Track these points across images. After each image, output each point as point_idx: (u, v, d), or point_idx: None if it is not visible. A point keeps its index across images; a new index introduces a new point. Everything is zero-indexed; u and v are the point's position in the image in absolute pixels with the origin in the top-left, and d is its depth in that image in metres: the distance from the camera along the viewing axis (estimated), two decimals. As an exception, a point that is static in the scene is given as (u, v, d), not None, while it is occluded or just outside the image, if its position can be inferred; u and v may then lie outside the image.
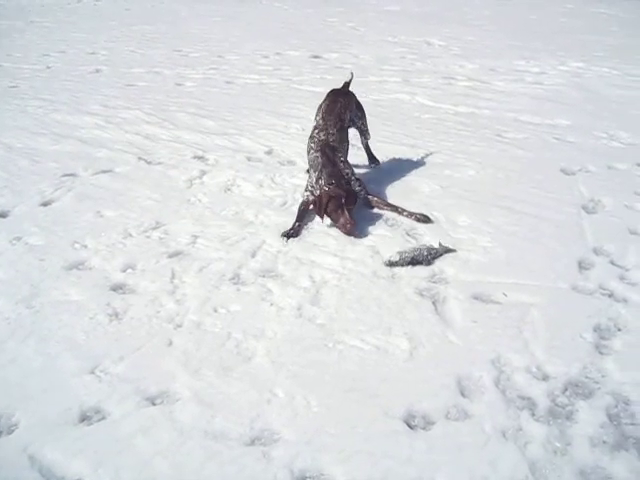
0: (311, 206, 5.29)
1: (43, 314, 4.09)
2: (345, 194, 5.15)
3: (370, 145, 6.41)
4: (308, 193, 5.42)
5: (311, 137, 5.76)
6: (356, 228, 5.04)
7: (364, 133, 6.29)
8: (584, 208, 5.50)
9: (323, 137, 5.61)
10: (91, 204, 5.58)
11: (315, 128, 5.79)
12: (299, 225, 5.15)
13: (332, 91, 6.13)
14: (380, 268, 4.58)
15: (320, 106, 5.97)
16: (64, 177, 6.18)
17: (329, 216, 5.14)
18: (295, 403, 3.35)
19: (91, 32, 14.56)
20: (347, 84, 6.18)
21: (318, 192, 5.28)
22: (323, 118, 5.77)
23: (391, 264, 4.61)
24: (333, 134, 5.63)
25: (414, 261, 4.60)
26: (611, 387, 3.45)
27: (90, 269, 4.63)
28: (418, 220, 5.26)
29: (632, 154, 6.78)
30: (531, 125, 7.87)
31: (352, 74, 6.24)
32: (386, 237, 4.99)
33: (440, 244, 4.77)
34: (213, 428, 3.20)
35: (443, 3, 19.45)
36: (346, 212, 5.02)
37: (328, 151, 5.50)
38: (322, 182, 5.29)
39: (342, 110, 5.84)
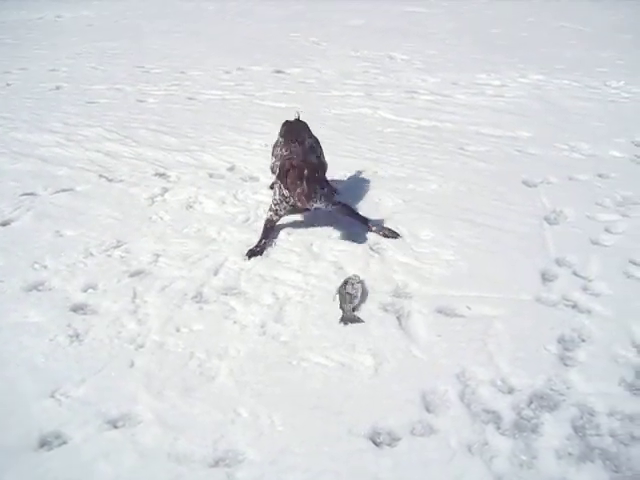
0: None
1: (2, 337, 4.01)
2: (310, 167, 5.04)
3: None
4: (272, 213, 5.35)
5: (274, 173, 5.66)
6: (309, 201, 4.99)
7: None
8: (546, 219, 5.54)
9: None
10: (51, 223, 5.50)
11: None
12: (264, 243, 5.11)
13: (286, 124, 5.99)
14: (344, 283, 4.56)
15: (277, 142, 5.88)
16: (23, 196, 6.08)
17: (288, 187, 5.07)
18: (259, 422, 3.31)
19: (52, 48, 14.46)
20: (298, 120, 6.04)
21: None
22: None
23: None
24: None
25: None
26: (576, 399, 3.46)
27: (50, 290, 4.55)
28: (385, 236, 5.24)
29: (593, 165, 6.85)
30: (493, 138, 7.93)
31: (298, 113, 6.11)
32: (349, 252, 4.98)
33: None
34: (176, 450, 3.16)
35: (407, 18, 19.61)
36: (305, 184, 4.92)
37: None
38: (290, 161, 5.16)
39: (299, 148, 5.60)
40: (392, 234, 5.25)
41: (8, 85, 11.12)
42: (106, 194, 6.16)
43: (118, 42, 15.29)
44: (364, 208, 5.72)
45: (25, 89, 10.78)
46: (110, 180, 6.55)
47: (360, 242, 5.16)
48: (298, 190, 4.93)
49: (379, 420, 3.31)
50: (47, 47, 14.67)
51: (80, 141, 7.82)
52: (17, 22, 18.62)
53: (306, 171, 4.96)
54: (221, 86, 10.92)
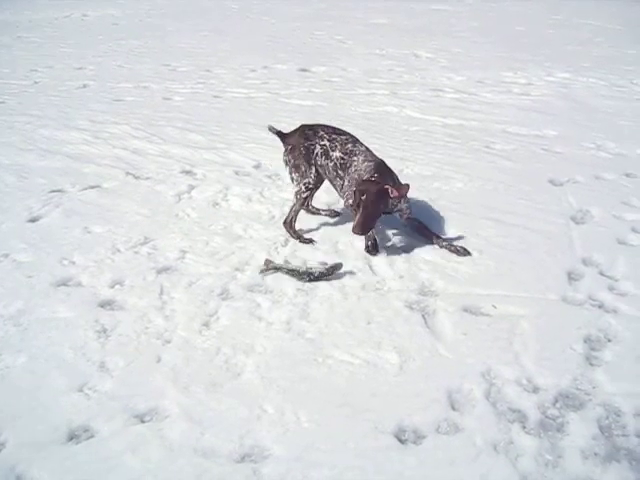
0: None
1: (31, 332, 4.05)
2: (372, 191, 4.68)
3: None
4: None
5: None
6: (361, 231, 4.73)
7: None
8: (573, 219, 5.51)
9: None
10: (79, 220, 5.55)
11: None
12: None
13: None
14: (369, 282, 4.57)
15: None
16: (52, 193, 6.14)
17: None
18: (285, 419, 3.33)
19: (79, 47, 14.55)
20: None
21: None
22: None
23: (261, 271, 4.72)
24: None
25: (290, 274, 4.64)
26: (602, 398, 3.44)
27: (78, 285, 4.59)
28: (458, 253, 4.92)
29: (619, 164, 6.81)
30: (519, 136, 7.90)
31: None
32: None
33: (325, 268, 4.63)
34: (203, 445, 3.17)
35: (430, 16, 19.57)
36: (359, 212, 4.66)
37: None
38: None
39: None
40: (464, 252, 4.94)
41: (36, 83, 11.20)
42: (133, 191, 6.20)
43: (143, 40, 15.37)
44: (389, 206, 5.72)
45: (52, 87, 10.87)
46: (137, 177, 6.60)
47: (386, 240, 5.17)
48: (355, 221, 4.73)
49: (404, 418, 3.31)
50: (73, 46, 14.76)
51: (107, 139, 7.88)
52: (44, 21, 18.74)
53: (364, 196, 4.68)
54: (246, 84, 10.95)
